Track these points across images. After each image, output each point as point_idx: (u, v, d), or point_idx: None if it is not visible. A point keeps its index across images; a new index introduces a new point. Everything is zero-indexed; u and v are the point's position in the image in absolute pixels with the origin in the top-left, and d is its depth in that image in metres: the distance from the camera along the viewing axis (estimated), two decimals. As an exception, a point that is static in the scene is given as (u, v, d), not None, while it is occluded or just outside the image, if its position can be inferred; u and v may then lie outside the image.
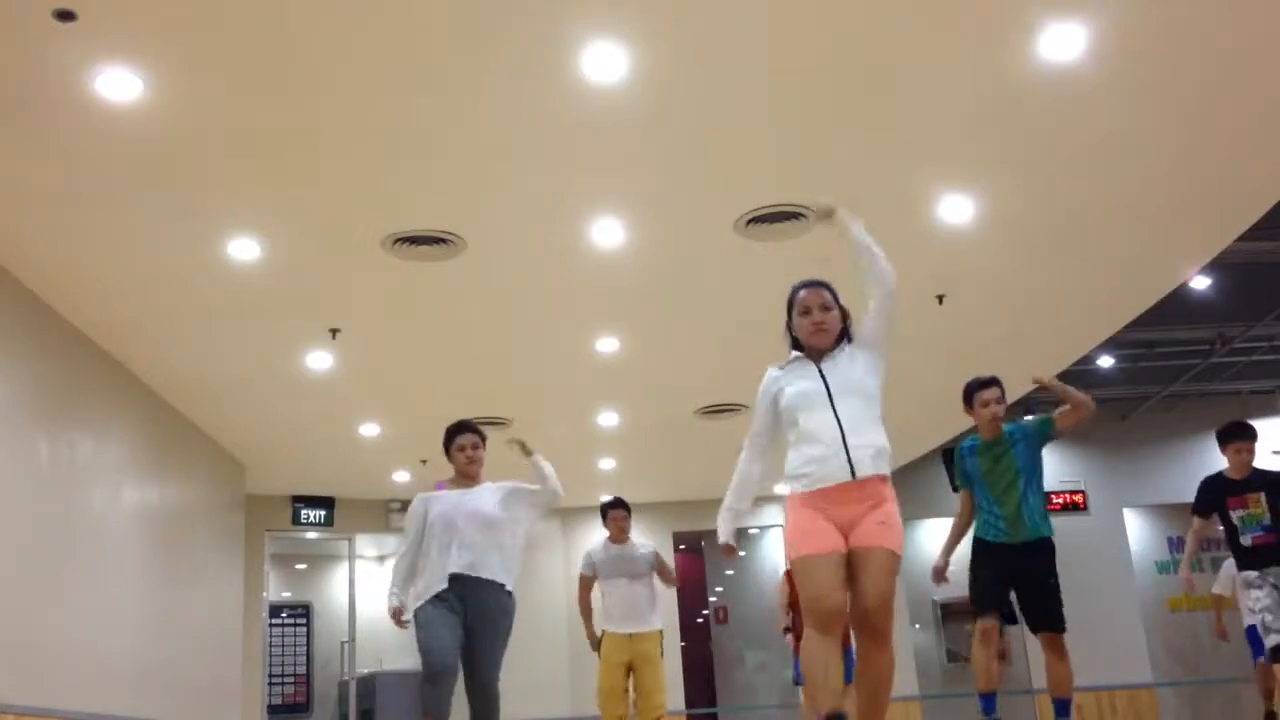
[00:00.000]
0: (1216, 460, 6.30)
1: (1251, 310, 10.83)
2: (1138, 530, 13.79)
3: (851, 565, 3.42)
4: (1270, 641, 5.79)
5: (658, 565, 7.00)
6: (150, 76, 4.72)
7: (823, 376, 3.62)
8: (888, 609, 3.40)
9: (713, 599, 14.75)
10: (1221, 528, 6.08)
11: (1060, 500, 13.51)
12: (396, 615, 5.07)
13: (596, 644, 6.94)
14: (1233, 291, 9.98)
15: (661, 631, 6.98)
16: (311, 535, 12.62)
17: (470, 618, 4.93)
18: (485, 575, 4.96)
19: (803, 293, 3.81)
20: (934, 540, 14.38)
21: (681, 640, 13.23)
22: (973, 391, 5.45)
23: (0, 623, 5.97)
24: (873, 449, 3.50)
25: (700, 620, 14.53)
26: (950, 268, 7.18)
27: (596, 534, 13.10)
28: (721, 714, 14.00)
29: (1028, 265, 7.27)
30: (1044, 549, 5.28)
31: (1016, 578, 5.27)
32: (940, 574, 5.48)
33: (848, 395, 3.57)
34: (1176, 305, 8.83)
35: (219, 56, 4.67)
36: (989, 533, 5.34)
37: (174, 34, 4.50)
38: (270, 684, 12.30)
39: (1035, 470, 5.32)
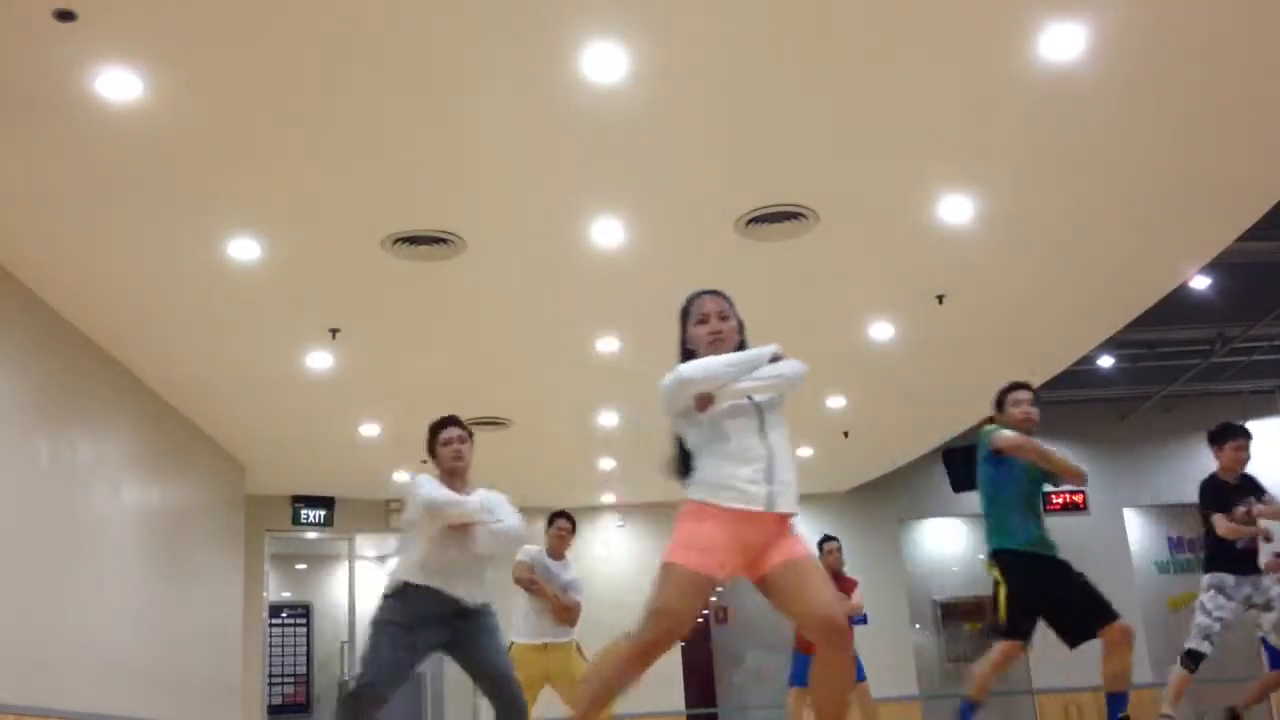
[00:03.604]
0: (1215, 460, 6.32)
1: (1251, 310, 10.83)
2: (1138, 530, 13.79)
3: (779, 581, 3.25)
4: (1200, 648, 5.79)
5: (570, 600, 6.62)
6: (150, 76, 4.72)
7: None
8: (840, 608, 3.27)
9: (713, 599, 14.75)
10: (1205, 530, 6.07)
11: (1060, 500, 13.51)
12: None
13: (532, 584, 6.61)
14: (1233, 291, 9.98)
15: (576, 643, 6.62)
16: (311, 535, 12.61)
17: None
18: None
19: (700, 299, 3.64)
20: (933, 540, 14.42)
21: (681, 640, 13.23)
22: (1005, 393, 5.25)
23: (0, 623, 5.97)
24: (791, 484, 3.36)
25: (700, 620, 14.54)
26: (950, 268, 7.18)
27: (596, 534, 13.15)
28: (721, 714, 13.99)
29: (1028, 265, 7.27)
30: (1067, 566, 5.03)
31: (1052, 592, 4.95)
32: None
33: (775, 421, 3.44)
34: (1176, 305, 8.83)
35: (219, 56, 4.67)
36: (1026, 542, 5.01)
37: (174, 34, 4.50)
38: (270, 684, 12.29)
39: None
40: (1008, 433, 5.05)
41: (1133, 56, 4.99)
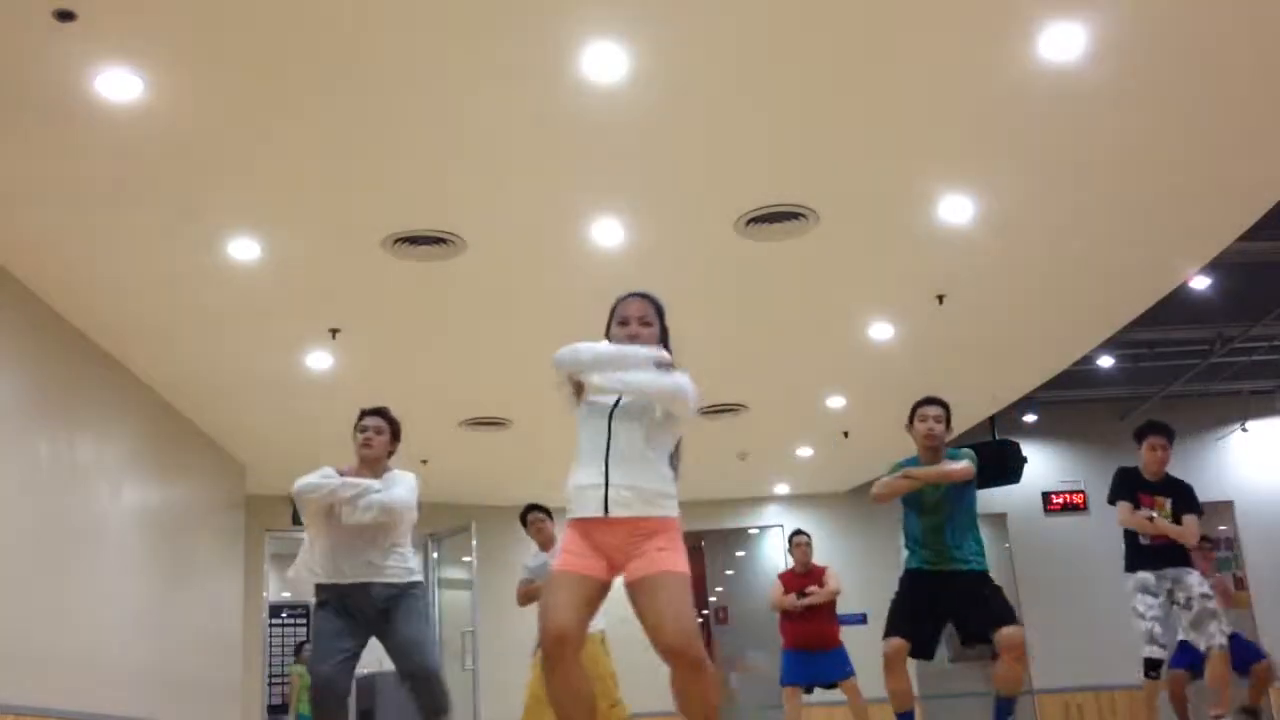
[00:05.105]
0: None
1: (1251, 310, 10.84)
2: (1138, 530, 13.79)
3: (634, 596, 3.14)
4: (1153, 654, 5.79)
5: None
6: (150, 76, 4.72)
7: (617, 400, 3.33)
8: (696, 634, 3.10)
9: (712, 599, 14.74)
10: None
11: (1060, 500, 13.51)
12: None
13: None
14: (1233, 291, 9.99)
15: (602, 634, 6.58)
16: (311, 535, 12.59)
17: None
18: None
19: (626, 301, 3.55)
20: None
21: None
22: (915, 408, 5.31)
23: (0, 623, 5.97)
24: (635, 490, 3.21)
25: (700, 620, 14.53)
26: (950, 268, 7.18)
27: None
28: (721, 714, 13.99)
29: (1028, 265, 7.27)
30: (970, 579, 5.06)
31: (943, 606, 5.05)
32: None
33: (626, 420, 3.29)
34: (1176, 305, 8.84)
35: (219, 56, 4.67)
36: (914, 564, 5.17)
37: (174, 34, 4.50)
38: (270, 684, 12.29)
39: (965, 500, 5.17)
40: (880, 484, 5.20)
41: (1133, 56, 4.99)
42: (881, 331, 8.23)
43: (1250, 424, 13.23)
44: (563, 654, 3.11)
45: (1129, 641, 13.06)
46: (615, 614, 6.77)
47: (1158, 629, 5.79)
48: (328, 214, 6.09)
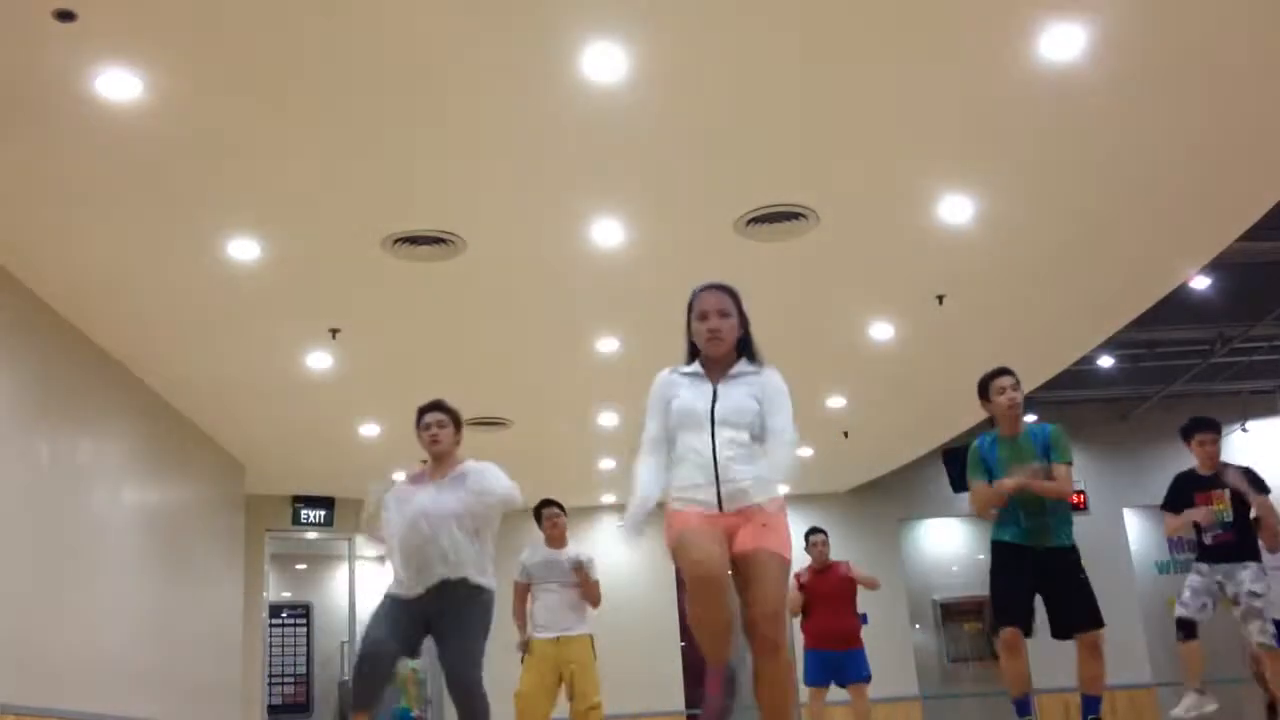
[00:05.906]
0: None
1: (1251, 310, 10.84)
2: (1138, 530, 13.79)
3: (737, 573, 3.30)
4: (1179, 613, 5.95)
5: (582, 578, 6.56)
6: (150, 76, 4.72)
7: (714, 399, 3.45)
8: (780, 618, 3.27)
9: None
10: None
11: (1060, 500, 13.51)
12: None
13: (524, 646, 6.52)
14: (1233, 291, 9.99)
15: (591, 636, 6.56)
16: (311, 535, 12.61)
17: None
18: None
19: (702, 295, 3.54)
20: (933, 540, 14.43)
21: (682, 640, 13.23)
22: (987, 382, 5.26)
23: (0, 623, 5.97)
24: (746, 483, 3.36)
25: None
26: (950, 268, 7.18)
27: (596, 533, 13.16)
28: (721, 714, 13.98)
29: (1028, 265, 7.27)
30: (1068, 557, 5.01)
31: (1041, 583, 4.97)
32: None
33: (729, 425, 3.41)
34: (1176, 305, 8.84)
35: (219, 57, 4.67)
36: (1008, 533, 5.05)
37: (174, 34, 4.50)
38: (270, 684, 12.28)
39: None
40: (977, 497, 5.14)
41: (1133, 57, 4.99)
42: (881, 331, 8.22)
43: (1250, 424, 13.23)
44: (713, 588, 3.20)
45: (1129, 641, 13.09)
46: (604, 621, 6.83)
47: (1187, 595, 5.95)
48: (328, 214, 6.09)
